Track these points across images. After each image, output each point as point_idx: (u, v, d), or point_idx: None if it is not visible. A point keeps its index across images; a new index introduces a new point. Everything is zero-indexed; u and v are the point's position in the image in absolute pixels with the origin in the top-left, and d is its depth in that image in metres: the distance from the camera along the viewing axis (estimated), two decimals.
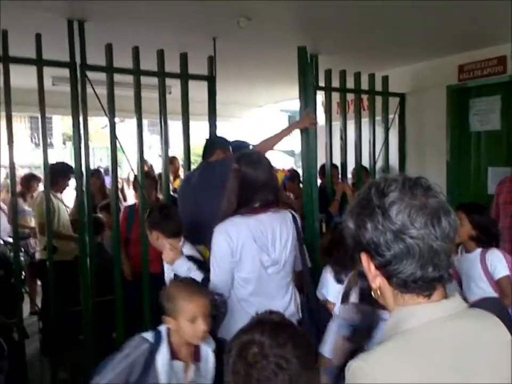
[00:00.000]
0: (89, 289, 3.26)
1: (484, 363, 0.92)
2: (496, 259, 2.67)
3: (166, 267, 2.42)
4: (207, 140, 3.42)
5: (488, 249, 2.71)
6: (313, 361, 1.14)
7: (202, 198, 2.85)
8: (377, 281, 0.96)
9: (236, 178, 2.13)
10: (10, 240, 4.01)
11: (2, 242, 3.85)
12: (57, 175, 3.94)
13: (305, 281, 2.37)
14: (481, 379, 0.90)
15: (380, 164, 4.66)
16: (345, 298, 1.99)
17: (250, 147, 3.21)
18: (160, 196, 4.10)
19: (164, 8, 3.11)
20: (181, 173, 5.65)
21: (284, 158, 12.60)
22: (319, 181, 4.35)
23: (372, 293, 1.00)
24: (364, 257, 0.96)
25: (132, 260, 3.76)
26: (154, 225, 2.45)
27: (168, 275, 2.40)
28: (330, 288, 2.62)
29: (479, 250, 2.72)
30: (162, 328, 1.79)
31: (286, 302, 2.18)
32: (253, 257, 2.07)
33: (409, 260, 0.90)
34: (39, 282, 4.70)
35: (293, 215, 2.27)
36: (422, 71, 4.83)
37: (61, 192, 4.32)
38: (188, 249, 2.42)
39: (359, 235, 0.95)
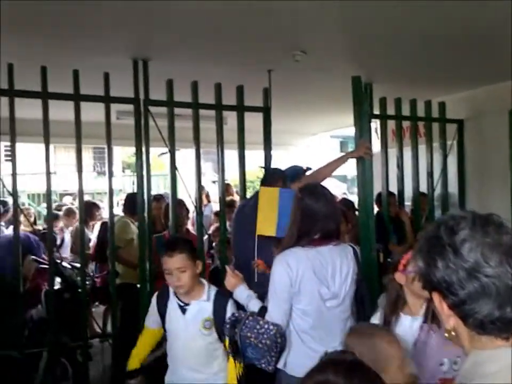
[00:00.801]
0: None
1: None
2: None
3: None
4: (268, 169, 3.46)
5: None
6: None
7: (254, 225, 2.83)
8: (451, 321, 0.94)
9: (297, 209, 2.14)
10: (76, 264, 4.22)
11: (69, 266, 4.04)
12: (134, 203, 4.00)
13: (369, 316, 2.32)
14: None
15: (437, 191, 4.53)
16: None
17: (307, 172, 3.22)
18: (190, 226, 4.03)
19: (221, 44, 3.25)
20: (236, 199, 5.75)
21: (337, 183, 12.51)
22: (375, 209, 4.29)
23: (446, 334, 0.97)
24: (435, 297, 0.94)
25: None
26: None
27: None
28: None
29: None
30: None
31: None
32: (312, 289, 2.06)
33: (485, 300, 0.87)
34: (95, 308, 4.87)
35: (353, 249, 2.25)
36: (481, 96, 4.70)
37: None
38: None
39: (429, 273, 0.93)
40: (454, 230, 0.91)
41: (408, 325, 1.83)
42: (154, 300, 2.33)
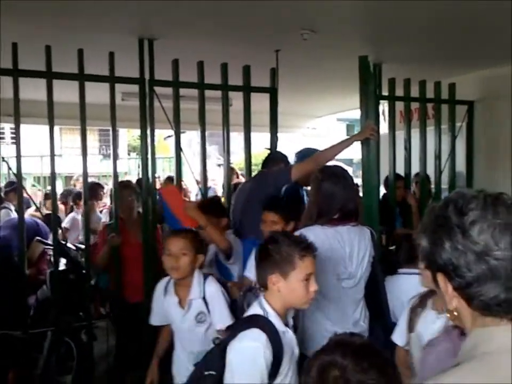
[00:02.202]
0: None
1: None
2: None
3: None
4: (271, 151, 3.46)
5: None
6: None
7: (254, 205, 2.91)
8: (454, 302, 0.92)
9: (317, 191, 2.18)
10: (80, 246, 4.23)
11: (74, 248, 4.05)
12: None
13: (382, 300, 2.32)
14: None
15: (445, 173, 4.48)
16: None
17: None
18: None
19: (228, 23, 3.19)
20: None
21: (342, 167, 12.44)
22: (383, 191, 4.25)
23: (447, 314, 0.95)
24: (440, 278, 0.92)
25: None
26: None
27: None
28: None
29: None
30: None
31: (356, 318, 2.17)
32: (328, 267, 2.05)
33: (493, 283, 0.85)
34: None
35: (371, 232, 2.25)
36: (493, 77, 4.61)
37: None
38: None
39: (434, 254, 0.90)
40: (463, 211, 0.88)
41: (431, 320, 1.82)
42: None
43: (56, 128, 3.33)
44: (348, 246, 2.11)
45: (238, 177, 6.03)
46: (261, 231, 2.50)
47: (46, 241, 3.92)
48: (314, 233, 2.04)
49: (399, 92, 4.22)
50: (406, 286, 2.33)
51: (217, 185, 7.45)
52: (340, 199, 2.12)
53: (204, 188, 3.77)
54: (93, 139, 16.90)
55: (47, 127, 3.24)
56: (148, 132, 3.46)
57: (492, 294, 0.86)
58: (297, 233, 2.06)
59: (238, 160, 10.56)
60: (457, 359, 0.90)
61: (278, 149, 3.98)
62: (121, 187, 3.46)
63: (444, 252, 0.88)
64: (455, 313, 0.93)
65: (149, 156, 3.48)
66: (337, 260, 2.08)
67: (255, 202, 2.91)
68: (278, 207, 2.49)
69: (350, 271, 2.12)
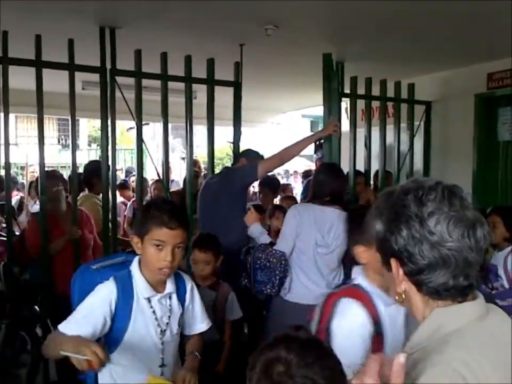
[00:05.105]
0: None
1: None
2: None
3: None
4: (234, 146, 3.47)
5: None
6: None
7: (221, 201, 3.01)
8: (403, 286, 0.96)
9: (314, 180, 2.87)
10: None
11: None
12: (91, 175, 3.84)
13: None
14: None
15: (404, 171, 4.62)
16: None
17: (264, 157, 3.29)
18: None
19: (193, 15, 3.16)
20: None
21: (306, 163, 12.57)
22: None
23: (396, 297, 0.99)
24: (393, 262, 0.96)
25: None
26: None
27: None
28: None
29: (509, 248, 2.84)
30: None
31: (329, 280, 2.68)
32: (309, 233, 2.64)
33: (443, 270, 0.90)
34: None
35: None
36: (450, 79, 4.77)
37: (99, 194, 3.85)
38: None
39: (390, 240, 0.94)
40: (422, 201, 0.92)
41: None
42: None
43: (11, 115, 3.20)
44: (329, 222, 2.65)
45: (200, 170, 5.97)
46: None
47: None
48: (305, 207, 2.75)
49: (361, 90, 4.31)
50: None
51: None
52: (328, 186, 2.71)
53: (166, 180, 3.73)
54: (52, 128, 16.36)
55: (1, 114, 3.12)
56: (109, 122, 3.38)
57: (441, 280, 0.91)
58: (293, 208, 2.78)
59: (202, 153, 10.51)
60: (418, 336, 0.93)
61: (241, 143, 4.00)
62: (47, 177, 3.31)
63: (401, 239, 0.92)
64: (403, 296, 0.97)
65: (110, 147, 3.41)
66: (318, 230, 2.64)
67: (223, 196, 2.99)
68: (209, 244, 2.66)
69: (326, 241, 2.65)
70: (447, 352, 0.85)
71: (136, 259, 1.70)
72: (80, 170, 4.34)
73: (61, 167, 10.14)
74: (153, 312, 1.65)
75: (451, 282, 0.91)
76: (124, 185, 5.49)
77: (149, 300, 1.64)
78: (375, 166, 4.46)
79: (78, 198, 3.61)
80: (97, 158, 6.71)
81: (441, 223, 0.89)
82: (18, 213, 5.34)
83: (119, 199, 5.57)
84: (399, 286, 0.96)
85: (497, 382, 0.84)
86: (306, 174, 6.97)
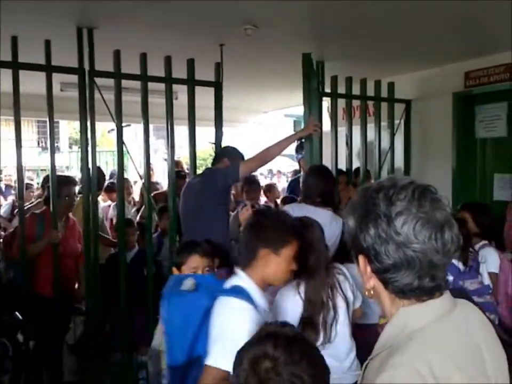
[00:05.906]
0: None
1: (484, 341, 0.95)
2: (490, 253, 2.82)
3: None
4: (216, 145, 3.46)
5: (487, 245, 2.88)
6: (327, 381, 1.09)
7: (203, 201, 2.98)
8: (371, 282, 0.97)
9: (304, 181, 3.01)
10: None
11: None
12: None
13: None
14: (490, 357, 0.94)
15: (385, 169, 4.67)
16: None
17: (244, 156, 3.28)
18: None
19: (172, 16, 3.14)
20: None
21: (288, 162, 12.60)
22: None
23: (365, 292, 1.00)
24: (361, 259, 0.97)
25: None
26: None
27: None
28: None
29: (480, 243, 2.89)
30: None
31: None
32: None
33: (408, 271, 0.91)
34: None
35: (343, 222, 2.49)
36: (428, 77, 4.84)
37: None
38: None
39: (359, 238, 0.95)
40: (391, 200, 0.92)
41: None
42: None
43: None
44: (321, 223, 2.57)
45: (183, 171, 5.93)
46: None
47: None
48: (300, 207, 2.82)
49: (341, 89, 4.34)
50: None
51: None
52: (317, 188, 2.85)
53: (147, 182, 3.70)
54: (31, 131, 16.09)
55: None
56: (88, 124, 3.34)
57: (406, 281, 0.91)
58: (288, 206, 2.89)
59: (185, 154, 10.46)
60: (388, 337, 0.94)
61: (223, 143, 3.98)
62: (59, 182, 3.38)
63: (369, 237, 0.93)
64: (372, 292, 0.98)
65: (89, 149, 3.37)
66: None
67: (205, 196, 2.98)
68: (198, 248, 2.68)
69: None
70: (407, 353, 0.86)
71: (243, 273, 1.70)
72: (61, 173, 4.31)
73: (41, 170, 10.00)
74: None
75: (416, 283, 0.91)
76: (110, 188, 5.43)
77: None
78: (356, 164, 4.50)
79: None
80: (78, 160, 6.63)
81: (408, 224, 0.89)
82: (11, 217, 5.28)
83: (107, 202, 5.55)
84: (368, 282, 0.97)
85: (460, 377, 0.85)
86: (295, 173, 6.98)
